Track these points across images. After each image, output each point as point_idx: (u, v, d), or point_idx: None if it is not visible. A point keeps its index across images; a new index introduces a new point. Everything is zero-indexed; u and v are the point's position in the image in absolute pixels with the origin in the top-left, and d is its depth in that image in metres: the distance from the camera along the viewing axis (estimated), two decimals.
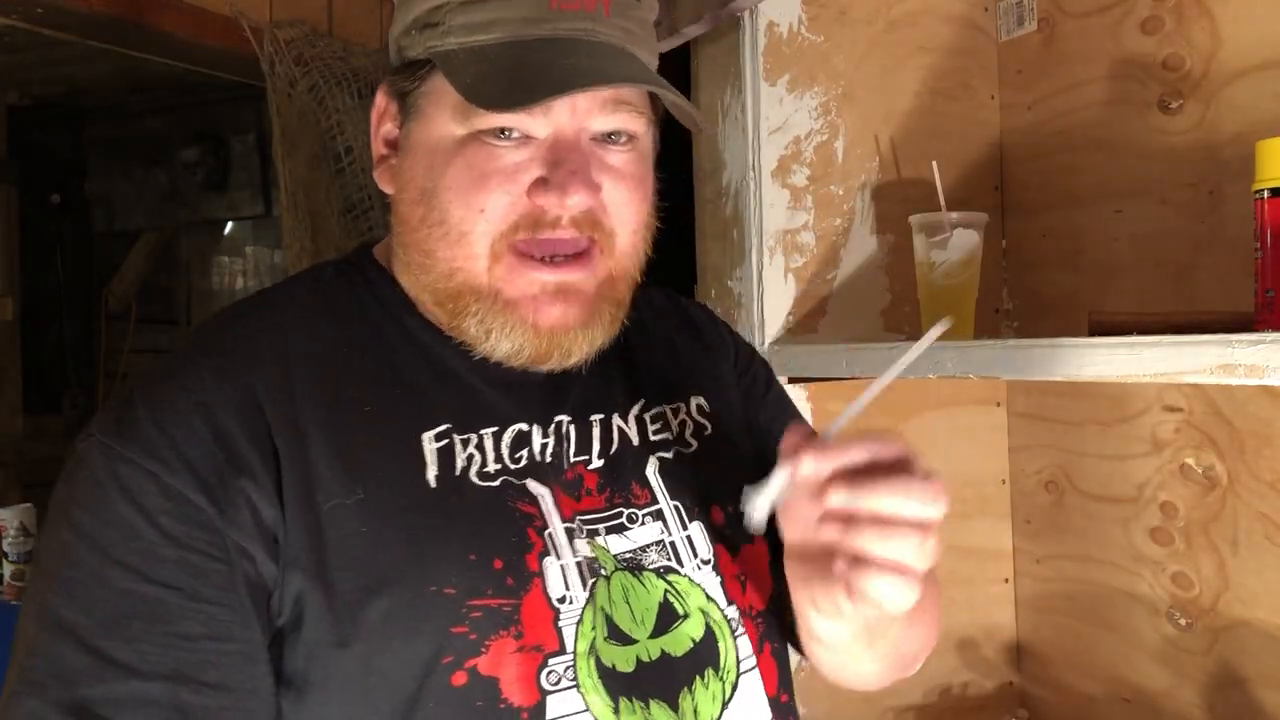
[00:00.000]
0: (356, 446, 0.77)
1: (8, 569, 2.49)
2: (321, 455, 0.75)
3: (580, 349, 0.81)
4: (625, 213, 0.81)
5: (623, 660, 0.77)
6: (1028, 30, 1.57)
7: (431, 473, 0.78)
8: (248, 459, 0.73)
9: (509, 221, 0.77)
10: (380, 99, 0.85)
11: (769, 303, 1.46)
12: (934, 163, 1.42)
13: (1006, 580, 1.62)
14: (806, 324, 1.49)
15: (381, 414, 0.79)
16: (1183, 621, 1.35)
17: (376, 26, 2.40)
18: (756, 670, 0.84)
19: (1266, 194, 1.03)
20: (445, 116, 0.78)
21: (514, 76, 0.74)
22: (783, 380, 1.40)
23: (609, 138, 0.80)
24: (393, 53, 0.84)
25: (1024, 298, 1.60)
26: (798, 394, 1.44)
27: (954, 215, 1.37)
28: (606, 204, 0.79)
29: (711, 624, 0.82)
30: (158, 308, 4.80)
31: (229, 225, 4.58)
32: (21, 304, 4.21)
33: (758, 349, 1.34)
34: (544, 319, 0.79)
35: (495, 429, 0.82)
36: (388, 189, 0.85)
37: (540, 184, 0.77)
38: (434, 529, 0.76)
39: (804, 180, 1.49)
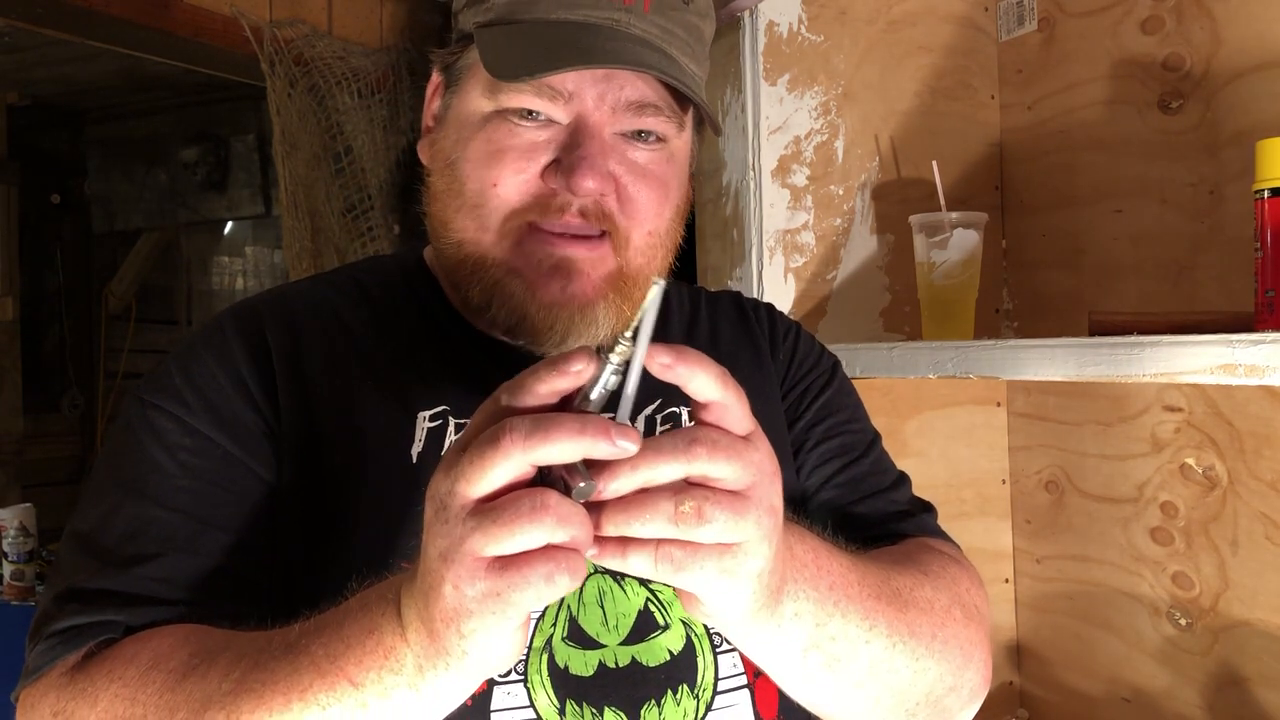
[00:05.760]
0: (350, 414, 0.80)
1: (8, 569, 2.49)
2: (317, 414, 0.79)
3: (576, 333, 0.80)
4: (642, 211, 0.80)
5: (579, 663, 0.76)
6: (1028, 30, 1.57)
7: (416, 449, 0.79)
8: (259, 403, 0.79)
9: (522, 201, 0.78)
10: (434, 75, 0.88)
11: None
12: (934, 162, 1.42)
13: (1006, 580, 1.62)
14: (806, 324, 1.48)
15: (384, 389, 0.82)
16: (1183, 621, 1.35)
17: (376, 26, 2.40)
18: (748, 690, 0.81)
19: (1266, 194, 1.03)
20: (477, 91, 0.80)
21: (533, 52, 0.76)
22: None
23: (637, 135, 0.80)
24: (453, 29, 0.87)
25: (1024, 298, 1.60)
26: None
27: (954, 215, 1.37)
28: (622, 199, 0.79)
29: (693, 637, 0.80)
30: (158, 308, 4.80)
31: (229, 225, 4.58)
32: (21, 304, 4.21)
33: None
34: (544, 293, 0.78)
35: None
36: (425, 160, 0.87)
37: (554, 166, 0.77)
38: (403, 503, 0.77)
39: (804, 180, 1.49)
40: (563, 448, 0.52)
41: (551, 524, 0.52)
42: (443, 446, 0.80)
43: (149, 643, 0.69)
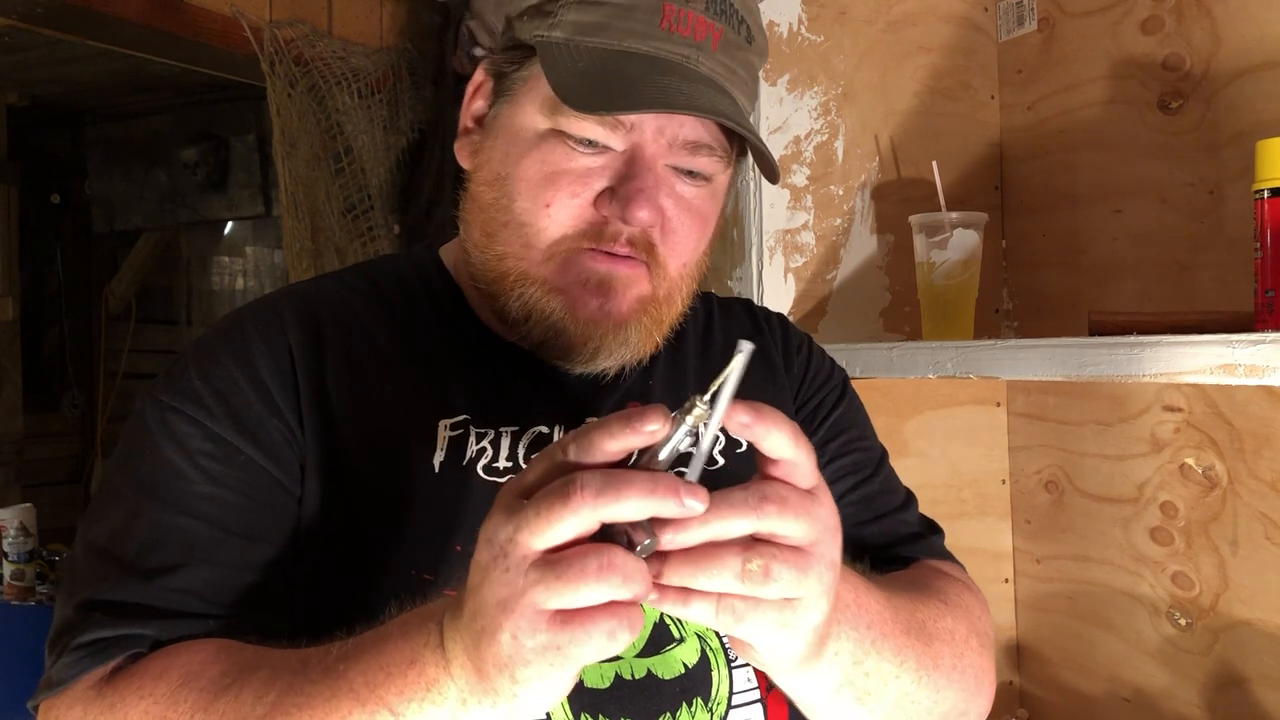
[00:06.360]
0: (371, 420, 0.79)
1: (8, 569, 2.49)
2: (338, 421, 0.79)
3: (608, 351, 0.81)
4: (682, 244, 0.81)
5: (594, 674, 0.76)
6: (1028, 30, 1.57)
7: (438, 458, 0.79)
8: (283, 409, 0.78)
9: (574, 227, 0.78)
10: (478, 74, 0.87)
11: (769, 303, 1.46)
12: (934, 163, 1.42)
13: (1006, 580, 1.62)
14: (806, 324, 1.49)
15: (404, 395, 0.81)
16: (1183, 621, 1.35)
17: (376, 26, 2.40)
18: (760, 705, 0.81)
19: (1266, 194, 1.03)
20: (534, 107, 0.79)
21: (607, 83, 0.75)
22: None
23: (687, 172, 0.80)
24: (503, 32, 0.85)
25: (1024, 298, 1.60)
26: None
27: (954, 215, 1.37)
28: (665, 230, 0.80)
29: (708, 651, 0.80)
30: (158, 308, 4.80)
31: (229, 225, 4.58)
32: (21, 304, 4.21)
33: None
34: (583, 310, 0.79)
35: (515, 429, 0.82)
36: (465, 164, 0.87)
37: (607, 194, 0.78)
38: (426, 513, 0.77)
39: (804, 180, 1.49)
40: (633, 506, 0.52)
41: (617, 582, 0.53)
42: (463, 456, 0.80)
43: (179, 658, 0.68)
